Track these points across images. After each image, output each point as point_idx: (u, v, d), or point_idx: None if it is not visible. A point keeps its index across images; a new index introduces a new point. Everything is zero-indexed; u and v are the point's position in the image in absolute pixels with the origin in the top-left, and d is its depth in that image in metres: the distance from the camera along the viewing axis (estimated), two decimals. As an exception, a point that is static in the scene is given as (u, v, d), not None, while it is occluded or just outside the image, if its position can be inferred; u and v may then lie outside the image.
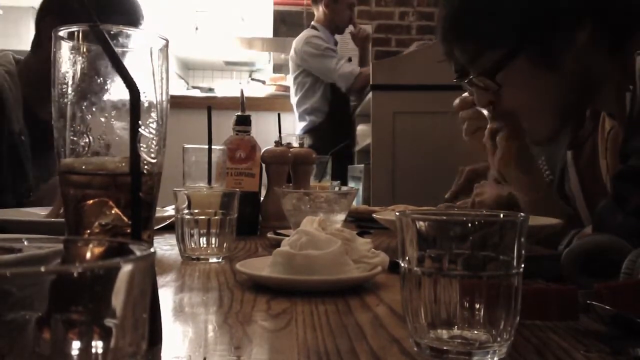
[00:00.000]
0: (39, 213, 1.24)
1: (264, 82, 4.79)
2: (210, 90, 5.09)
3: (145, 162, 0.45)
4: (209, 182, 1.15)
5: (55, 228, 0.99)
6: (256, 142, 1.36)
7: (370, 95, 2.80)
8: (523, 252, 0.48)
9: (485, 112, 1.18)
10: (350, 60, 3.46)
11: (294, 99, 3.55)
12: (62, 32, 0.45)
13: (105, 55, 0.42)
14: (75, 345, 0.25)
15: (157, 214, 1.09)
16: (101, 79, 0.45)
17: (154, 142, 0.46)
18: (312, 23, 3.52)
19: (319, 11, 3.48)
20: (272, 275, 0.74)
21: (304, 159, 1.53)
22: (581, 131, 1.21)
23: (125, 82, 0.42)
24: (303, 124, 3.48)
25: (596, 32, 0.99)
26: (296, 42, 3.44)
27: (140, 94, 0.43)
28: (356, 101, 3.43)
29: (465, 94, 1.26)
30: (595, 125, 1.17)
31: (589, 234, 0.92)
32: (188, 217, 0.97)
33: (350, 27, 3.61)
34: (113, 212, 0.45)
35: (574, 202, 1.23)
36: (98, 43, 0.43)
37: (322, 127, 3.41)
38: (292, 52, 3.47)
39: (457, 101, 1.29)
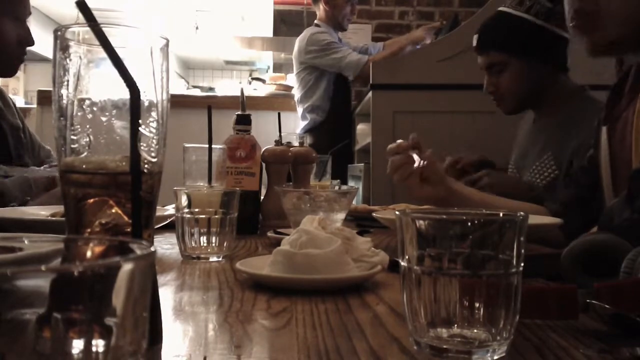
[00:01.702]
0: (40, 212, 1.24)
1: (264, 81, 4.79)
2: (211, 89, 5.09)
3: (145, 161, 0.45)
4: (209, 181, 1.15)
5: (55, 227, 0.99)
6: (256, 141, 1.36)
7: (370, 94, 2.80)
8: (522, 251, 0.48)
9: (415, 156, 1.19)
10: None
11: (297, 97, 3.55)
12: (63, 32, 0.45)
13: (106, 55, 0.42)
14: (76, 344, 0.25)
15: (158, 213, 1.08)
16: (101, 78, 0.45)
17: (154, 141, 0.46)
18: (315, 22, 3.53)
19: (320, 10, 3.49)
20: (272, 274, 0.74)
21: (304, 158, 1.53)
22: (616, 107, 1.19)
23: (125, 82, 0.42)
24: (305, 122, 3.49)
25: None
26: (300, 40, 3.44)
27: (141, 93, 0.43)
28: (355, 100, 3.43)
29: (400, 140, 1.23)
30: (632, 98, 1.15)
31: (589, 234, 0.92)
32: (188, 216, 0.97)
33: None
34: (113, 211, 0.45)
35: (601, 186, 1.21)
36: (98, 42, 0.43)
37: (322, 126, 3.42)
38: (295, 49, 3.47)
39: (393, 145, 1.23)
